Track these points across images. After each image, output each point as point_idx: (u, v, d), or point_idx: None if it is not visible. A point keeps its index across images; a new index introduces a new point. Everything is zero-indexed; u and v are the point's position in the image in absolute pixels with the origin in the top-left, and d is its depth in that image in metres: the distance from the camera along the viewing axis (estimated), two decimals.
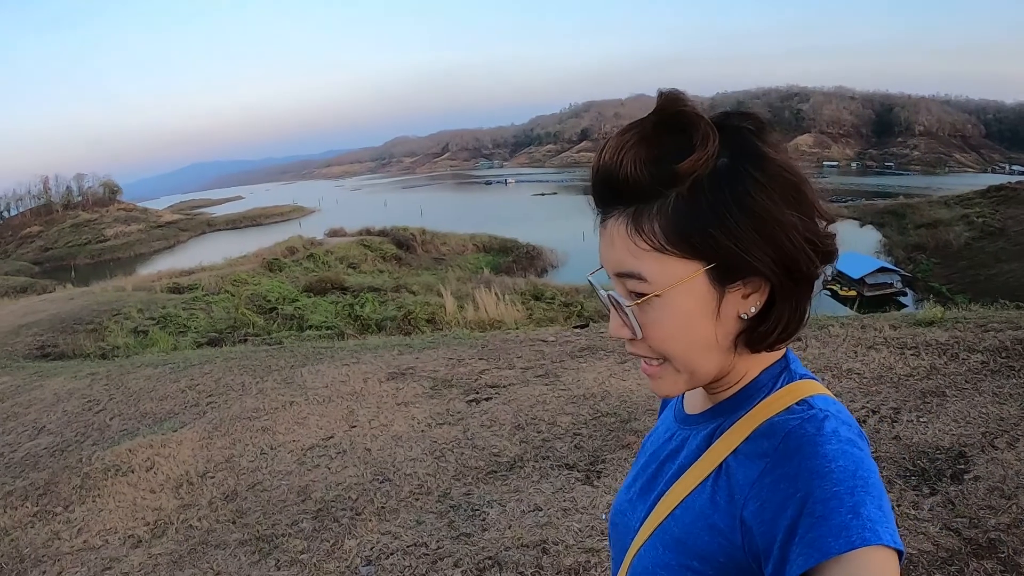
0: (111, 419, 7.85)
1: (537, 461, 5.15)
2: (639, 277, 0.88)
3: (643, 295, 0.89)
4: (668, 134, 0.86)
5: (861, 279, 40.54)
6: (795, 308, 0.92)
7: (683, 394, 1.14)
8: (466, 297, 19.82)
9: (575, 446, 5.32)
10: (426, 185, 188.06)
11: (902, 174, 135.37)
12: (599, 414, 5.84)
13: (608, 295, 0.93)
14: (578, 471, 4.90)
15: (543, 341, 8.58)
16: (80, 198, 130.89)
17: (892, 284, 41.59)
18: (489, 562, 3.90)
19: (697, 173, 0.85)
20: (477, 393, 6.78)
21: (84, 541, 5.01)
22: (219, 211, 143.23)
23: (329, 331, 17.54)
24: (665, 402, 1.30)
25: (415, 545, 4.21)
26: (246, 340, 16.28)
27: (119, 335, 17.10)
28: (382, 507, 4.78)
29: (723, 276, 0.88)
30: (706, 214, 0.85)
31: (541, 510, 4.40)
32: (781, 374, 0.99)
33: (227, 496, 5.37)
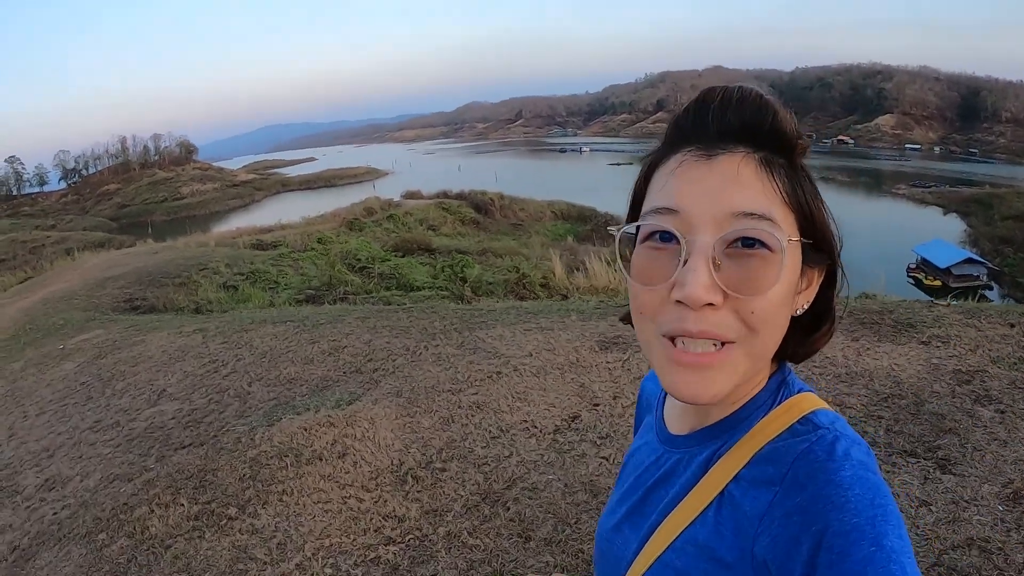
0: (249, 384, 6.80)
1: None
2: (773, 220, 0.84)
3: (760, 242, 0.83)
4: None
5: (947, 269, 39.68)
6: (834, 312, 0.97)
7: (664, 413, 1.12)
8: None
9: (894, 431, 4.46)
10: (499, 151, 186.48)
11: (986, 162, 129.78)
12: (883, 395, 4.94)
13: (721, 240, 0.84)
14: (922, 459, 4.09)
15: None
16: (157, 157, 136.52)
17: (978, 276, 40.05)
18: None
19: (803, 155, 0.91)
20: None
21: (298, 565, 3.83)
22: (293, 172, 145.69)
23: (444, 292, 16.75)
24: (641, 419, 1.28)
25: None
26: (345, 298, 15.67)
27: (209, 290, 16.62)
28: None
29: (807, 255, 0.89)
30: (810, 191, 0.90)
31: (929, 504, 3.62)
32: (779, 389, 0.96)
33: (485, 496, 4.25)
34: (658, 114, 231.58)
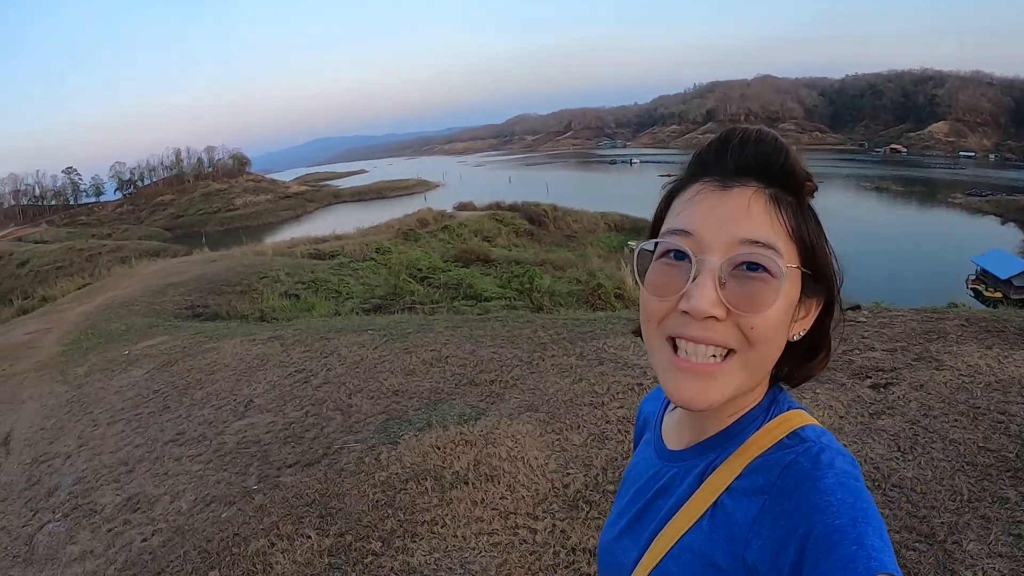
0: (349, 396, 6.29)
1: None
2: (775, 249, 0.91)
3: (763, 267, 0.90)
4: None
5: (1008, 280, 37.87)
6: (830, 341, 1.02)
7: (662, 430, 1.17)
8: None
9: None
10: (548, 163, 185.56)
11: None
12: None
13: (728, 262, 0.91)
14: None
15: (850, 320, 7.03)
16: (210, 169, 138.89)
17: None
18: None
19: (811, 196, 0.99)
20: (869, 377, 5.54)
21: None
22: (344, 183, 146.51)
23: (517, 302, 16.52)
24: (640, 436, 1.33)
25: None
26: (413, 308, 15.44)
27: (271, 298, 16.62)
28: (967, 524, 3.55)
29: (806, 286, 0.96)
30: (812, 227, 0.97)
31: None
32: (771, 406, 1.01)
33: None
34: (708, 124, 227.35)
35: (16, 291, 34.21)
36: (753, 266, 0.89)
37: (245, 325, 12.07)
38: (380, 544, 3.87)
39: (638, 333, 1.02)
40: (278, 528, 4.17)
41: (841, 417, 4.86)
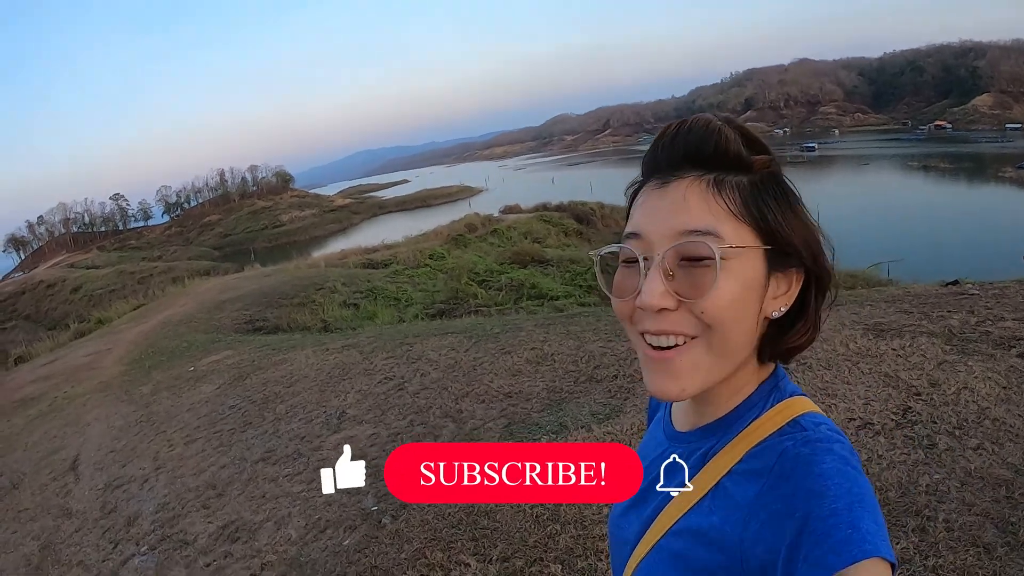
0: (456, 401, 5.79)
1: None
2: (716, 234, 0.90)
3: (707, 258, 0.89)
4: (742, 135, 0.96)
5: None
6: (815, 314, 1.00)
7: (671, 411, 1.17)
8: None
9: None
10: (589, 162, 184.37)
11: None
12: None
13: (668, 253, 0.92)
14: None
15: (962, 294, 7.02)
16: (255, 188, 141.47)
17: None
18: None
19: (765, 169, 0.96)
20: (1012, 346, 5.33)
21: None
22: (387, 194, 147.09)
23: (586, 299, 16.22)
24: (653, 415, 1.33)
25: None
26: (477, 311, 15.27)
27: (331, 308, 16.45)
28: None
29: (773, 261, 0.93)
30: (769, 202, 0.94)
31: None
32: (772, 392, 1.01)
33: (906, 509, 3.36)
34: (747, 113, 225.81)
35: (71, 315, 34.58)
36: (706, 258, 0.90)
37: (311, 336, 11.82)
38: (560, 567, 3.29)
39: None
40: (426, 556, 3.58)
41: (1004, 388, 4.59)
